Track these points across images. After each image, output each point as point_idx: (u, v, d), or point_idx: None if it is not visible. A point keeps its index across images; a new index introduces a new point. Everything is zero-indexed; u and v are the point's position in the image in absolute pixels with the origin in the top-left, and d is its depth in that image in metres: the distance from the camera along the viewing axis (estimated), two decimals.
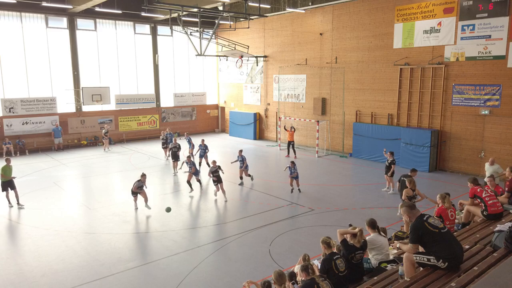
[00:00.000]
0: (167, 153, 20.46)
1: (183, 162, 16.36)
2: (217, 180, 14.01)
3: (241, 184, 16.05)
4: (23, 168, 19.00)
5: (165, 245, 10.26)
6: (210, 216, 12.65)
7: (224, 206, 13.90)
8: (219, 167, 14.29)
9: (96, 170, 18.78)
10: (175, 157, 17.99)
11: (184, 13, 22.23)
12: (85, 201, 14.26)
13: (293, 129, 21.59)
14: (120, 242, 10.72)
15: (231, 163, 17.09)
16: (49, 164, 20.04)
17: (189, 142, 19.73)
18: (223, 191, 14.09)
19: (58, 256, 9.81)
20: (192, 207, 13.54)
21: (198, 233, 11.25)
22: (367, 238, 6.79)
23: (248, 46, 26.16)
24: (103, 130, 23.62)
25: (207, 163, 17.14)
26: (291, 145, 21.50)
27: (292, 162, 14.76)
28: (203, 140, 18.83)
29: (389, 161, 14.52)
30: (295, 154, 21.37)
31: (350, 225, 7.02)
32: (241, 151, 16.57)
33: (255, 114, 27.64)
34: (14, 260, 9.63)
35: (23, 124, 22.88)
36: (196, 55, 24.80)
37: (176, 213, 12.91)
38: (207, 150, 18.54)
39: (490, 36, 16.04)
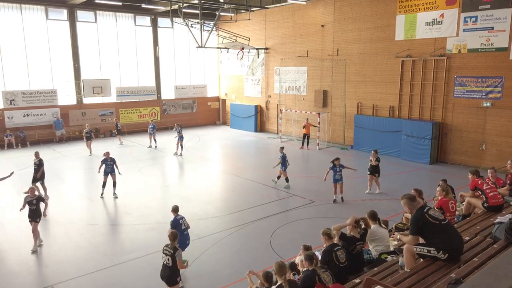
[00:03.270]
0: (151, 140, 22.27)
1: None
2: (32, 216, 9.80)
3: (275, 182, 14.85)
4: (24, 160, 19.03)
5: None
6: (211, 208, 12.69)
7: (225, 198, 13.95)
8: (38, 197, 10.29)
9: (97, 162, 18.73)
10: (35, 180, 13.49)
11: (185, 4, 22.09)
12: (87, 193, 14.32)
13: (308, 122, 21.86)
14: (122, 233, 10.79)
15: (273, 167, 15.27)
16: (51, 156, 20.05)
17: (179, 132, 19.79)
18: (35, 236, 9.89)
19: (61, 247, 9.88)
20: (193, 199, 13.57)
21: (199, 225, 11.29)
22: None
23: (249, 38, 26.00)
24: (85, 130, 20.92)
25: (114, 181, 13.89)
26: (306, 137, 21.75)
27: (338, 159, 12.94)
28: (107, 153, 14.14)
29: (374, 160, 13.68)
30: (303, 145, 21.83)
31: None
32: (282, 148, 15.00)
33: (256, 106, 27.58)
34: (18, 250, 9.70)
35: (24, 116, 22.87)
36: (197, 47, 24.68)
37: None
38: (115, 166, 14.08)
39: (492, 28, 15.92)
